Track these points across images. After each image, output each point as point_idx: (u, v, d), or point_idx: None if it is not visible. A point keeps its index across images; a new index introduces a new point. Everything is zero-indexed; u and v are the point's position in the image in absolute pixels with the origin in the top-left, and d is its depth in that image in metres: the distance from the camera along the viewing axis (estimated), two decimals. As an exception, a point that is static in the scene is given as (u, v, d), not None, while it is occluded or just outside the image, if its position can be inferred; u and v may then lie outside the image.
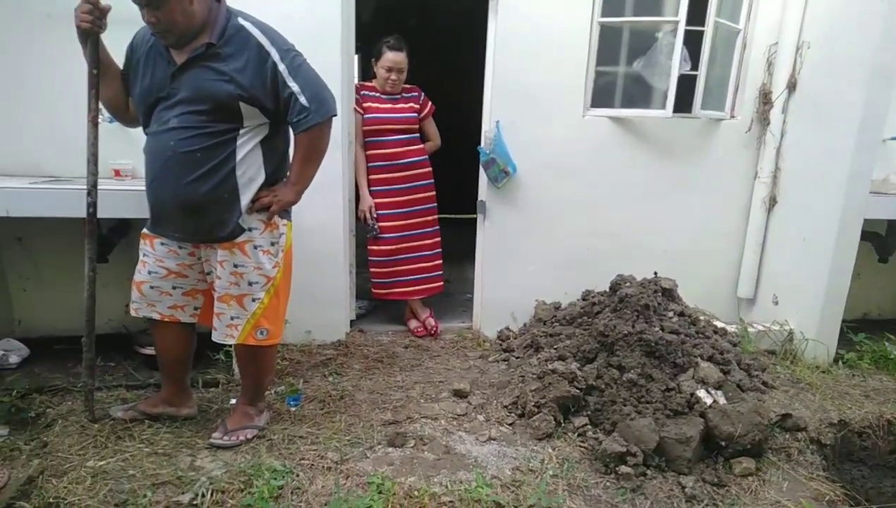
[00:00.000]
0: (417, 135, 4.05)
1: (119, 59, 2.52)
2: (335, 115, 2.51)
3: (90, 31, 2.38)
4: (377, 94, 3.94)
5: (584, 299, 3.85)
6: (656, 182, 4.05)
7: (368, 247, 4.07)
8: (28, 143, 3.42)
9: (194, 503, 2.28)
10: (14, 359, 3.31)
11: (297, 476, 2.47)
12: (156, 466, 2.50)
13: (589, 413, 2.95)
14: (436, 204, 4.19)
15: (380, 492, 2.36)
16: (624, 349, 3.10)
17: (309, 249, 3.35)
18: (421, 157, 4.06)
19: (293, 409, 3.03)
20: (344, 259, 3.87)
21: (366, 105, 3.89)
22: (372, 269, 4.09)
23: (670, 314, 3.39)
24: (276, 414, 2.98)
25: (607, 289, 3.63)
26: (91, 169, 2.57)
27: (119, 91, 2.55)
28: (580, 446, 2.81)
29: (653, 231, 4.13)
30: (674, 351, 3.08)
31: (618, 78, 3.94)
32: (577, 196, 4.00)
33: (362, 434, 2.82)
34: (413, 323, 4.24)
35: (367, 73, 4.01)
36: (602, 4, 3.70)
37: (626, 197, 4.05)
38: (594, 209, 4.03)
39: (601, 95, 3.91)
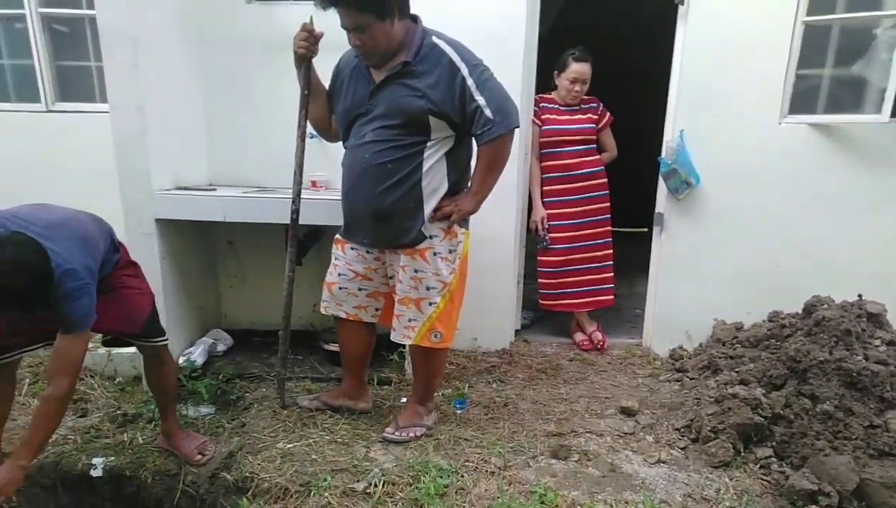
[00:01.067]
0: (594, 146, 4.00)
1: (326, 81, 2.79)
2: (518, 127, 2.58)
3: (305, 56, 2.67)
4: (556, 106, 3.94)
5: (770, 320, 3.58)
6: (865, 194, 3.62)
7: (538, 258, 4.05)
8: (241, 157, 3.88)
9: (367, 491, 2.44)
10: (221, 348, 3.74)
11: (462, 476, 2.54)
12: (335, 453, 2.71)
13: (774, 444, 2.73)
14: (609, 215, 4.09)
15: (542, 503, 2.36)
16: (818, 377, 2.82)
17: (481, 258, 3.44)
18: (597, 168, 4.00)
19: (459, 412, 3.13)
20: (513, 269, 3.94)
21: (544, 116, 3.91)
22: (540, 280, 4.07)
23: (877, 342, 3.04)
24: (443, 415, 3.09)
25: (799, 311, 3.36)
26: (297, 179, 2.86)
27: (324, 110, 2.82)
28: (762, 479, 2.61)
29: (858, 249, 3.67)
30: (881, 384, 2.75)
31: (822, 81, 3.61)
32: (766, 209, 3.70)
33: (525, 442, 2.84)
34: (579, 336, 4.18)
35: (543, 85, 3.99)
36: (808, 3, 3.41)
37: (825, 210, 3.67)
38: (785, 223, 3.69)
39: (801, 101, 3.59)
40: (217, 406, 3.16)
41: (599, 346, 4.06)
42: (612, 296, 4.15)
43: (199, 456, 2.70)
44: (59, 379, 2.15)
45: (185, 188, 3.49)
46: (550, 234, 3.97)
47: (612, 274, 4.11)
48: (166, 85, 3.39)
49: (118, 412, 3.10)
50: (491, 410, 3.16)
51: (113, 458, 2.73)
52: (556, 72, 3.88)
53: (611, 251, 4.09)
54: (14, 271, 1.90)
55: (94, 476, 2.67)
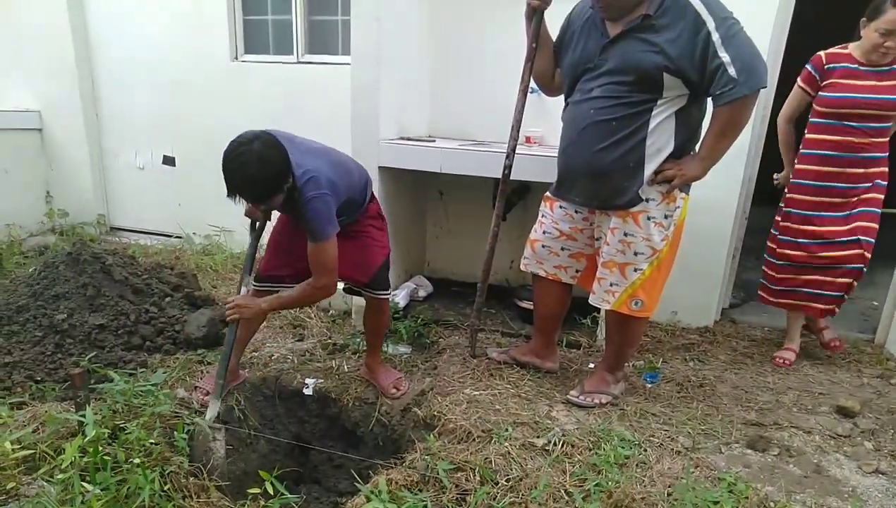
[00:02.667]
0: (891, 124, 3.05)
1: (554, 33, 2.76)
2: (764, 87, 2.37)
3: (538, 7, 2.66)
4: (853, 66, 3.00)
5: None
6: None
7: (768, 243, 3.38)
8: (460, 110, 4.05)
9: (546, 448, 2.46)
10: (422, 293, 3.97)
11: (645, 450, 2.46)
12: (518, 407, 2.76)
13: None
14: (880, 210, 3.15)
15: (731, 492, 2.21)
16: None
17: (695, 226, 3.20)
18: (881, 154, 3.08)
19: (649, 386, 3.02)
20: (729, 242, 3.65)
21: (831, 81, 3.03)
22: (767, 270, 3.39)
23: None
24: (632, 386, 3.00)
25: None
26: (513, 134, 2.89)
27: (549, 63, 2.79)
28: None
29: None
30: None
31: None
32: None
33: (719, 427, 2.67)
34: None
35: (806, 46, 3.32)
36: None
37: None
38: None
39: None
40: (413, 347, 3.38)
41: (833, 347, 3.46)
42: (840, 303, 3.28)
43: (394, 390, 2.91)
44: (318, 276, 2.47)
45: (407, 138, 3.71)
46: (791, 224, 3.22)
47: (850, 280, 3.19)
48: (401, 37, 3.60)
49: (329, 340, 3.44)
50: (684, 388, 3.00)
51: (322, 380, 3.04)
52: (863, 20, 2.97)
53: (870, 255, 3.14)
54: (258, 162, 2.17)
55: (306, 393, 3.01)
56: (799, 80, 3.14)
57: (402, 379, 2.99)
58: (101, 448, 2.17)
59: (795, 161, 3.21)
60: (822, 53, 3.07)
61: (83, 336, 3.07)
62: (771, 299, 3.41)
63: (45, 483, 2.11)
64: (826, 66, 3.05)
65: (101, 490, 1.98)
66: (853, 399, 2.90)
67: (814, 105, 3.11)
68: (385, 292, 2.86)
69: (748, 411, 2.82)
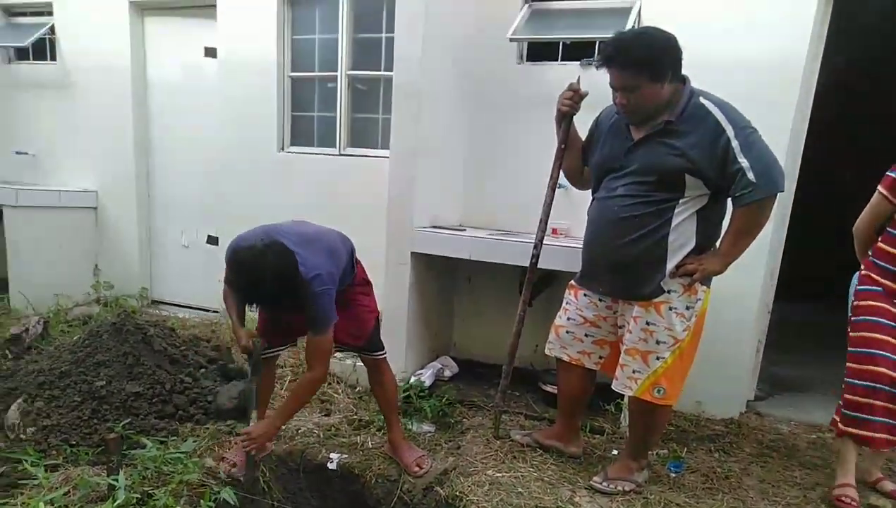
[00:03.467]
0: None
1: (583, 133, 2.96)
2: (781, 191, 2.48)
3: (567, 113, 2.88)
4: None
5: None
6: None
7: (847, 364, 2.82)
8: (490, 202, 4.27)
9: (568, 533, 2.46)
10: (447, 373, 4.03)
11: (668, 540, 2.44)
12: (540, 491, 2.77)
13: None
14: None
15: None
16: None
17: (719, 317, 3.26)
18: None
19: (673, 475, 2.99)
20: (753, 334, 3.68)
21: None
22: (847, 396, 2.82)
23: None
24: (655, 475, 2.98)
25: None
26: (541, 226, 3.07)
27: (578, 161, 2.98)
28: None
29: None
30: None
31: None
32: None
33: (745, 520, 2.63)
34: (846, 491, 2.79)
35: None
36: None
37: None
38: None
39: None
40: (437, 426, 3.41)
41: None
42: None
43: (417, 468, 2.93)
44: (314, 367, 2.65)
45: (440, 227, 3.90)
46: (871, 334, 2.73)
47: None
48: (437, 134, 3.86)
49: (355, 416, 3.50)
50: (710, 480, 2.97)
51: (346, 456, 3.08)
52: None
53: None
54: (269, 273, 2.35)
55: (330, 468, 3.04)
56: (880, 186, 2.72)
57: (426, 456, 3.02)
58: (130, 514, 2.25)
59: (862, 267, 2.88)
60: None
61: (119, 402, 3.19)
62: (846, 428, 2.82)
63: (75, 546, 2.18)
64: None
65: (130, 554, 2.04)
66: (883, 498, 2.83)
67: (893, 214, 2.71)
68: (380, 352, 2.99)
69: (775, 505, 2.78)
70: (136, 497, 2.41)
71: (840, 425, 2.85)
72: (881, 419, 2.70)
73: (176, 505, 2.45)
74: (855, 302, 2.84)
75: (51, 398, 3.18)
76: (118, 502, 2.30)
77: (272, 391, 3.19)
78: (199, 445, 2.98)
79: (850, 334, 2.84)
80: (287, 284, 2.41)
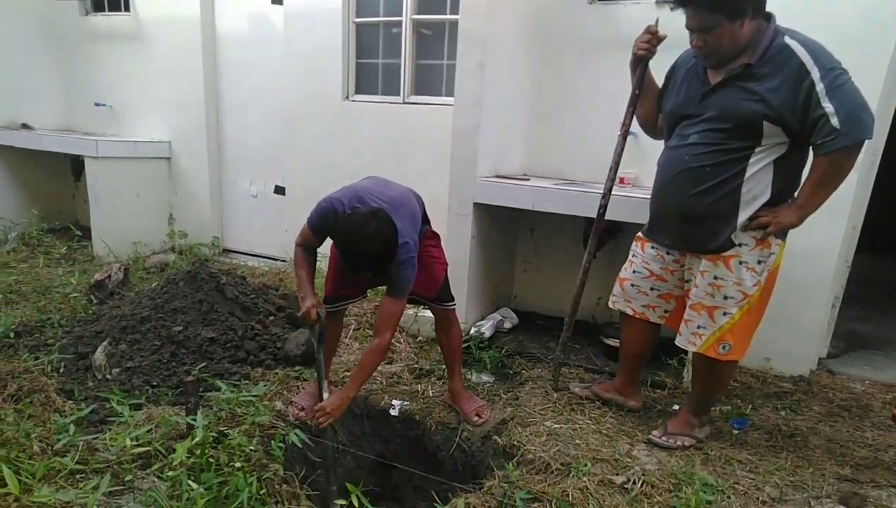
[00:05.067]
0: None
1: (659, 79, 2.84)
2: (869, 139, 2.32)
3: (644, 57, 2.76)
4: None
5: None
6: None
7: None
8: (555, 151, 4.19)
9: (625, 486, 2.47)
10: (507, 325, 4.05)
11: (728, 497, 2.42)
12: (598, 443, 2.78)
13: None
14: None
15: (817, 546, 2.14)
16: None
17: (794, 273, 3.15)
18: None
19: (736, 432, 2.95)
20: (829, 290, 3.52)
21: None
22: None
23: None
24: (717, 431, 2.95)
25: None
26: (611, 175, 2.98)
27: (652, 108, 2.86)
28: None
29: None
30: None
31: None
32: None
33: (809, 480, 2.57)
34: None
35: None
36: None
37: None
38: None
39: None
40: (496, 376, 3.46)
41: None
42: None
43: (476, 418, 2.99)
44: (384, 332, 2.65)
45: (503, 176, 3.86)
46: None
47: None
48: (502, 82, 3.78)
49: (416, 365, 3.58)
50: (774, 437, 2.91)
51: (408, 403, 3.18)
52: None
53: None
54: (377, 241, 2.41)
55: (392, 414, 3.15)
56: None
57: (485, 406, 3.07)
58: (206, 451, 2.38)
59: None
60: None
61: (195, 347, 3.36)
62: None
63: (156, 480, 2.34)
64: None
65: (205, 489, 2.17)
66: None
67: None
68: (451, 303, 3.03)
69: (843, 466, 2.70)
70: (213, 436, 2.55)
71: None
72: None
73: (249, 444, 2.58)
74: None
75: (133, 341, 3.38)
76: (196, 440, 2.44)
77: (338, 342, 3.27)
78: (269, 389, 3.13)
79: None
80: (389, 251, 2.46)
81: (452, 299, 3.05)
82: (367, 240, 2.38)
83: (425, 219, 2.91)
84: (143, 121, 6.10)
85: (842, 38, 2.61)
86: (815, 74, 2.24)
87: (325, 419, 2.63)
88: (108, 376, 3.19)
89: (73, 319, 3.89)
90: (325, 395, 2.70)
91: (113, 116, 6.31)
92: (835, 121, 2.23)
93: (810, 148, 2.41)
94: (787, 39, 2.32)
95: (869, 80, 2.44)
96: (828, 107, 2.23)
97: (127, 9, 6.00)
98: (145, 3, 5.83)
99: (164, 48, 5.76)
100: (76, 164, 6.37)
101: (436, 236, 3.01)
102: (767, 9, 2.39)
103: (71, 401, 2.96)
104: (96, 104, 6.29)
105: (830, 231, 3.33)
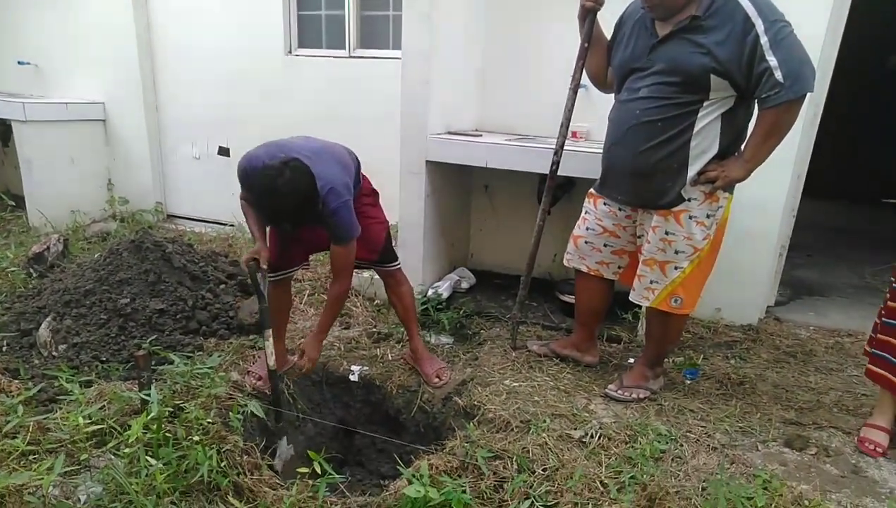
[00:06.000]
0: None
1: (607, 31, 2.80)
2: (811, 92, 2.35)
3: (591, 9, 2.71)
4: None
5: None
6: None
7: (888, 302, 2.52)
8: (506, 105, 4.12)
9: (583, 440, 2.53)
10: (465, 285, 4.05)
11: (681, 445, 2.50)
12: (556, 399, 2.83)
13: None
14: None
15: (765, 489, 2.23)
16: None
17: (741, 224, 3.21)
18: None
19: (688, 382, 3.04)
20: (776, 240, 3.61)
21: None
22: (880, 334, 2.57)
23: None
24: (671, 382, 3.03)
25: None
26: (562, 131, 2.95)
27: (602, 62, 2.82)
28: None
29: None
30: None
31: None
32: None
33: (757, 425, 2.68)
34: (872, 433, 2.58)
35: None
36: None
37: None
38: None
39: None
40: (455, 337, 3.47)
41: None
42: None
43: (437, 379, 3.01)
44: (339, 278, 2.71)
45: (454, 133, 3.78)
46: None
47: None
48: (451, 34, 3.67)
49: (374, 329, 3.56)
50: (724, 386, 3.01)
51: (367, 367, 3.17)
52: None
53: None
54: (292, 191, 2.35)
55: (352, 379, 3.13)
56: None
57: (445, 368, 3.09)
58: (163, 426, 2.33)
59: None
60: None
61: (144, 319, 3.25)
62: (872, 367, 2.61)
63: (112, 457, 2.28)
64: None
65: (164, 464, 2.14)
66: None
67: None
68: (394, 263, 3.02)
69: (788, 410, 2.82)
70: (168, 411, 2.50)
71: (868, 365, 2.64)
72: None
73: (206, 418, 2.53)
74: None
75: (78, 316, 3.25)
76: (152, 415, 2.39)
77: (289, 310, 3.22)
78: (224, 359, 3.07)
79: None
80: (308, 200, 2.40)
81: (396, 259, 3.05)
82: (281, 193, 2.34)
83: (359, 176, 2.85)
84: (73, 81, 5.76)
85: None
86: (760, 27, 2.25)
87: (307, 363, 2.74)
88: (55, 353, 3.07)
89: (12, 295, 3.71)
90: (269, 346, 2.69)
91: (40, 76, 5.94)
92: (778, 75, 2.25)
93: (755, 101, 2.44)
94: None
95: (810, 32, 2.45)
96: (771, 60, 2.25)
97: (49, -41, 5.60)
98: (69, -47, 5.44)
99: (91, 4, 5.40)
100: (3, 129, 6.00)
101: (373, 193, 2.96)
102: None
103: (17, 381, 2.84)
104: (19, 62, 5.90)
105: (776, 182, 3.39)
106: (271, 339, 2.74)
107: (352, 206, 2.59)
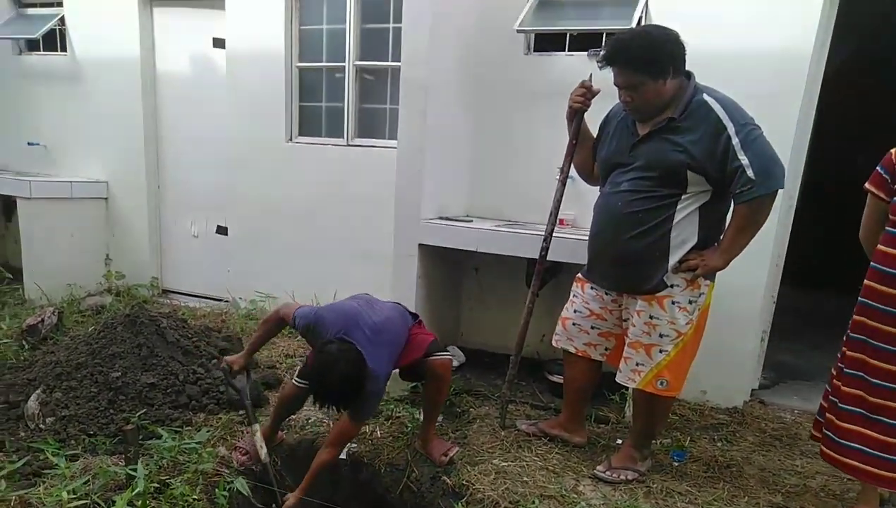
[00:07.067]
0: None
1: (592, 127, 3.00)
2: (782, 188, 2.52)
3: (579, 110, 2.92)
4: None
5: None
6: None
7: (833, 381, 2.66)
8: (497, 193, 4.31)
9: (572, 522, 2.52)
10: (455, 363, 4.06)
11: (670, 529, 2.50)
12: (545, 480, 2.83)
13: None
14: None
15: (753, 573, 2.23)
16: None
17: (724, 309, 3.27)
18: None
19: (676, 464, 3.05)
20: (758, 324, 3.72)
21: None
22: (828, 414, 2.66)
23: None
24: (658, 464, 3.03)
25: None
26: (551, 219, 3.11)
27: (588, 157, 3.01)
28: None
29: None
30: None
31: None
32: None
33: (745, 508, 2.68)
34: None
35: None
36: None
37: None
38: None
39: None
40: (445, 415, 3.46)
41: None
42: None
43: (443, 458, 2.99)
44: (332, 447, 2.76)
45: (446, 218, 3.93)
46: (854, 353, 2.53)
47: None
48: (444, 127, 3.88)
49: (364, 406, 3.55)
50: (711, 469, 3.02)
51: (355, 445, 3.15)
52: None
53: None
54: (341, 383, 2.49)
55: (340, 458, 3.11)
56: (867, 183, 2.50)
57: (454, 446, 3.06)
58: (148, 502, 2.32)
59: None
60: (893, 151, 2.43)
61: (135, 393, 3.25)
62: (831, 454, 2.61)
63: (96, 533, 2.26)
64: None
65: (148, 540, 2.12)
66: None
67: (889, 213, 2.43)
68: (444, 353, 3.00)
69: (774, 494, 2.83)
70: (154, 486, 2.48)
71: (823, 448, 2.67)
72: (858, 447, 2.49)
73: (192, 493, 2.52)
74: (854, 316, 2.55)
75: (68, 389, 3.25)
76: (137, 490, 2.38)
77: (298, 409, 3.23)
78: (212, 435, 3.06)
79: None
80: (352, 390, 2.54)
81: (444, 349, 3.04)
82: (334, 381, 2.48)
83: (414, 317, 3.06)
84: (79, 162, 5.94)
85: (760, 94, 2.86)
86: (731, 129, 2.45)
87: None
88: (42, 425, 3.06)
89: (3, 366, 3.72)
90: (259, 440, 2.81)
91: (48, 157, 6.12)
92: (750, 173, 2.43)
93: (731, 196, 2.60)
94: (706, 96, 2.53)
95: (780, 133, 2.66)
96: (743, 159, 2.43)
97: (64, 49, 5.89)
98: (83, 42, 5.74)
99: (103, 89, 5.66)
100: (6, 205, 6.16)
101: (420, 324, 3.08)
102: (692, 54, 2.58)
103: (1, 453, 2.83)
104: (29, 143, 6.10)
105: (756, 269, 3.53)
106: (259, 434, 2.83)
107: (382, 394, 2.83)
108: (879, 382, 2.44)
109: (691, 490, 2.82)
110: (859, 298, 2.52)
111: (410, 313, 3.06)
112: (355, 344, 2.58)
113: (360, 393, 2.56)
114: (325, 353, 2.53)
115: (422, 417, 3.15)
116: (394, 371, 2.92)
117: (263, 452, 2.80)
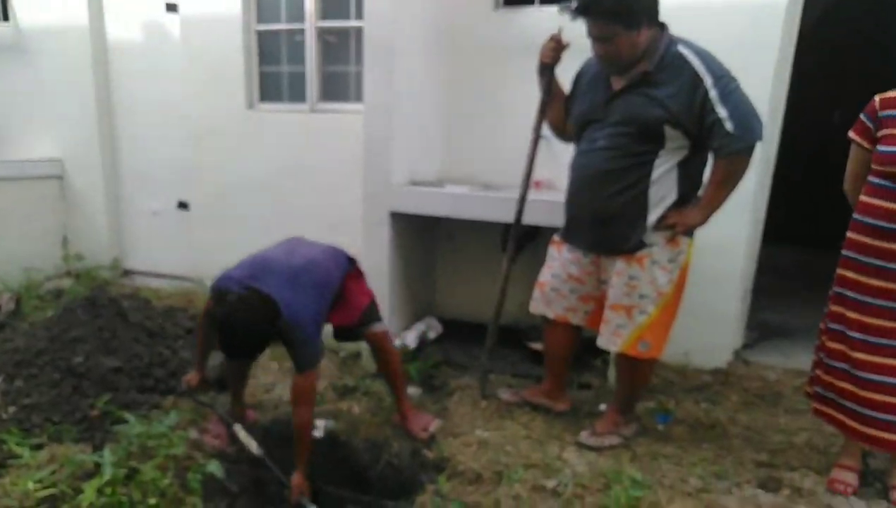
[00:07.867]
0: None
1: (564, 84, 2.88)
2: (760, 141, 2.45)
3: (549, 64, 2.81)
4: None
5: None
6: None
7: (820, 337, 2.61)
8: (469, 156, 4.17)
9: (557, 490, 2.48)
10: (432, 335, 4.00)
11: (656, 492, 2.46)
12: (529, 448, 2.77)
13: None
14: None
15: (742, 533, 2.20)
16: None
17: (704, 268, 3.24)
18: None
19: (660, 427, 3.01)
20: (739, 282, 3.66)
21: (887, 132, 2.31)
22: (816, 370, 2.64)
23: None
24: (643, 428, 2.99)
25: None
26: (525, 182, 3.00)
27: (561, 114, 2.91)
28: None
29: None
30: None
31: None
32: None
33: (730, 468, 2.66)
34: (841, 474, 2.57)
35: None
36: None
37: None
38: None
39: None
40: (423, 388, 3.40)
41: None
42: None
43: (423, 432, 2.92)
44: (300, 409, 2.59)
45: (418, 183, 3.80)
46: (840, 309, 2.46)
47: None
48: (412, 88, 3.71)
49: (340, 382, 3.47)
50: (696, 430, 2.99)
51: (332, 423, 3.06)
52: None
53: None
54: (245, 330, 2.35)
55: (316, 435, 3.00)
56: (851, 132, 2.47)
57: (433, 419, 3.01)
58: (118, 490, 2.22)
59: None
60: (876, 98, 2.38)
61: (99, 378, 3.12)
62: (818, 406, 2.62)
63: (64, 524, 2.16)
64: (880, 114, 2.35)
65: (118, 530, 2.02)
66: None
67: (871, 162, 2.38)
68: (378, 323, 2.93)
69: (760, 452, 2.81)
70: (124, 473, 2.38)
71: (814, 405, 2.65)
72: (849, 404, 2.45)
73: (163, 479, 2.42)
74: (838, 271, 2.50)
75: (30, 376, 3.11)
76: (106, 478, 2.29)
77: (246, 378, 3.11)
78: (182, 418, 2.93)
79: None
80: (262, 338, 2.41)
81: (380, 319, 2.96)
82: (238, 333, 2.36)
83: (347, 267, 2.87)
84: (29, 139, 5.63)
85: (733, 45, 2.77)
86: (708, 81, 2.38)
87: (297, 492, 2.60)
88: (4, 415, 2.92)
89: (-43, 356, 3.53)
90: (245, 437, 2.72)
91: (-4, 136, 5.82)
92: (728, 126, 2.36)
93: (709, 151, 2.53)
94: (681, 48, 2.45)
95: (756, 84, 2.59)
96: (721, 112, 2.36)
97: (6, 18, 5.55)
98: (28, 11, 5.40)
99: (50, 59, 5.34)
100: (-47, 187, 5.84)
101: (358, 275, 2.96)
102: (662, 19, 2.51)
103: (-38, 446, 2.69)
104: (-28, 121, 5.79)
105: (735, 226, 3.46)
106: (244, 432, 2.73)
107: (317, 339, 2.61)
108: (859, 336, 2.40)
109: (677, 452, 2.79)
110: (842, 251, 2.47)
111: (349, 258, 2.91)
112: (260, 290, 2.44)
113: (268, 340, 2.44)
114: (224, 304, 2.41)
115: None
116: (327, 327, 2.80)
117: (254, 446, 2.70)
